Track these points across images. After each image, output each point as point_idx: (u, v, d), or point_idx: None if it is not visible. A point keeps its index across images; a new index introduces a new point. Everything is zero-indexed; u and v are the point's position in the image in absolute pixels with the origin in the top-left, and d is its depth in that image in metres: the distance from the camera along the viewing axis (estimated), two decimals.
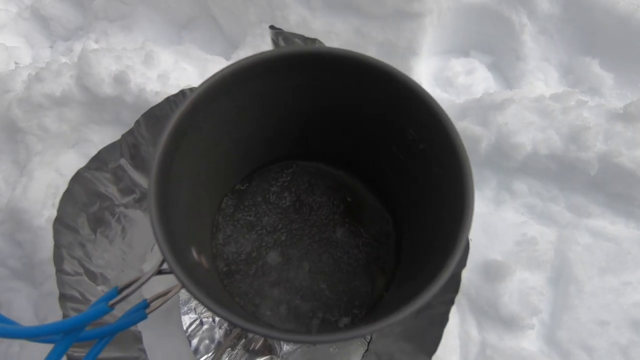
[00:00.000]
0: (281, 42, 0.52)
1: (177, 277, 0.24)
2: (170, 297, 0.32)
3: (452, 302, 0.45)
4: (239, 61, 0.31)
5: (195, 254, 0.31)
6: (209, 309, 0.24)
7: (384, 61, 0.31)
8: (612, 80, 0.80)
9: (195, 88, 0.31)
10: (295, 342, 0.24)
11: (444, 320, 0.43)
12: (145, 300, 0.33)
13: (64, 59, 0.83)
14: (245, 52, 0.92)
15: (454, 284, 0.45)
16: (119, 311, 0.38)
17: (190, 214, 0.33)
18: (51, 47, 1.13)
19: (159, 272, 0.30)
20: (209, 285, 0.31)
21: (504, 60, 0.89)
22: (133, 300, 0.36)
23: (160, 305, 0.32)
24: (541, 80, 0.84)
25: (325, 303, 0.39)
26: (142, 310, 0.31)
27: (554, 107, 0.69)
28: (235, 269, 0.40)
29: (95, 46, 0.89)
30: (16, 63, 1.06)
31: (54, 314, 0.60)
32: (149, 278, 0.30)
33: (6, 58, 1.07)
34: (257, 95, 0.34)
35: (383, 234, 0.42)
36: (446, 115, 0.29)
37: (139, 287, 0.29)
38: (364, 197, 0.44)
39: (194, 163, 0.34)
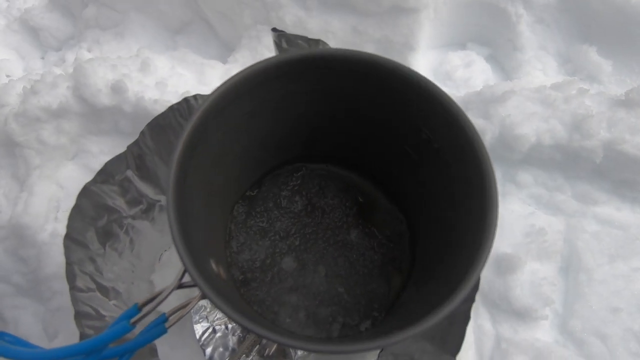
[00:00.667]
0: (284, 45, 0.51)
1: (203, 290, 0.24)
2: (190, 310, 0.31)
3: (472, 300, 0.45)
4: (249, 68, 0.30)
5: (214, 266, 0.31)
6: (236, 322, 0.24)
7: (394, 60, 0.30)
8: (610, 67, 0.81)
9: (204, 98, 0.30)
10: (325, 352, 0.24)
11: (466, 318, 0.43)
12: (164, 314, 0.32)
13: (58, 70, 0.82)
14: (241, 54, 0.91)
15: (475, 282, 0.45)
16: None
17: (205, 225, 0.32)
18: (42, 58, 1.12)
19: (180, 286, 0.29)
20: (229, 295, 0.30)
21: (501, 51, 0.89)
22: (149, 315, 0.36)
23: (180, 318, 0.32)
24: (539, 69, 0.84)
25: (344, 307, 0.39)
26: (161, 325, 0.31)
27: (556, 96, 0.68)
28: (251, 276, 0.40)
29: (88, 55, 0.88)
30: (8, 76, 1.05)
31: (64, 330, 0.59)
32: (169, 293, 0.29)
33: None
34: (266, 101, 0.34)
35: (397, 234, 0.42)
36: (463, 113, 0.28)
37: (161, 302, 0.29)
38: (376, 198, 0.44)
39: (205, 173, 0.33)
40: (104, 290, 0.43)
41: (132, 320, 0.28)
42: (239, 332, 0.59)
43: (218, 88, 0.30)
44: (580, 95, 0.68)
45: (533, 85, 0.72)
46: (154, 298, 0.29)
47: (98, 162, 0.60)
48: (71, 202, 0.52)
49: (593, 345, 0.58)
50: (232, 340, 0.58)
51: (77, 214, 0.44)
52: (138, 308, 0.29)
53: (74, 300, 0.39)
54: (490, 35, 0.91)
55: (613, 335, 0.58)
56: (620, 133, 0.64)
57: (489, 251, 0.26)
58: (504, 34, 0.88)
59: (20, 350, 0.25)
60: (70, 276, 0.40)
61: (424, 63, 0.88)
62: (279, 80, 0.32)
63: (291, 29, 0.82)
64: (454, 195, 0.32)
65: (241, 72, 0.30)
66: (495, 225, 0.26)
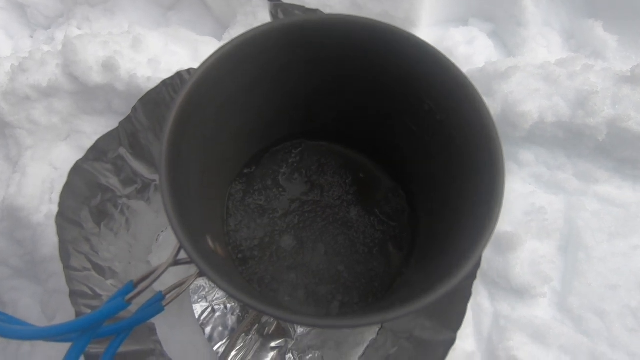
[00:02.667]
0: (280, 15, 0.49)
1: (198, 266, 0.23)
2: (187, 288, 0.31)
3: (474, 277, 0.45)
4: (244, 34, 0.28)
5: (210, 243, 0.30)
6: (234, 297, 0.23)
7: (395, 25, 0.29)
8: (616, 43, 0.78)
9: (197, 68, 0.29)
10: (325, 327, 0.23)
11: (466, 295, 0.43)
12: (161, 292, 0.32)
13: (47, 48, 0.79)
14: (236, 31, 0.88)
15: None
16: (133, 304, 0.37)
17: (202, 202, 0.31)
18: (31, 36, 1.08)
19: (175, 262, 0.28)
20: (227, 272, 0.29)
21: (504, 27, 0.87)
22: (145, 294, 0.35)
23: (177, 296, 0.31)
24: (543, 46, 0.82)
25: (344, 285, 0.39)
26: (158, 303, 0.30)
27: (560, 72, 0.67)
28: (250, 255, 0.39)
29: (78, 32, 0.85)
30: None
31: (62, 311, 0.59)
32: (165, 270, 0.28)
33: None
34: (263, 71, 0.32)
35: (398, 212, 0.41)
36: (470, 82, 0.27)
37: (156, 279, 0.28)
38: (376, 175, 0.43)
39: (201, 149, 0.32)
40: (100, 269, 0.43)
41: (128, 297, 0.27)
42: (238, 311, 0.59)
43: (211, 56, 0.28)
44: (585, 72, 0.67)
45: (537, 62, 0.71)
46: (150, 275, 0.28)
47: (92, 142, 0.59)
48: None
49: (591, 322, 0.58)
50: (231, 320, 0.58)
51: (69, 192, 0.43)
52: (133, 285, 0.28)
53: (69, 280, 0.38)
54: (493, 10, 0.88)
55: (611, 312, 0.58)
56: (625, 110, 0.63)
57: (494, 226, 0.25)
58: (507, 9, 0.85)
59: (16, 328, 0.25)
60: (65, 255, 0.39)
61: (425, 39, 0.86)
62: (277, 49, 0.30)
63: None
64: (458, 170, 0.31)
65: (235, 39, 0.28)
66: (501, 199, 0.25)
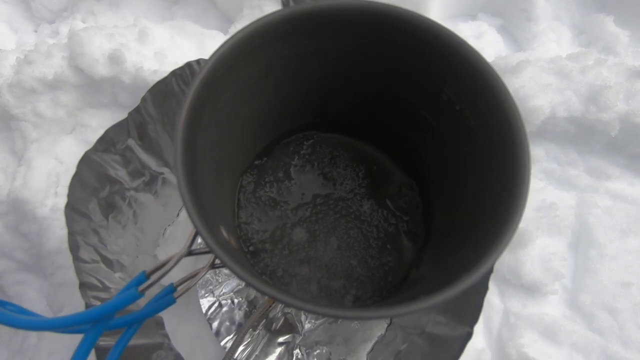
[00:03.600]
0: (292, 3, 0.48)
1: (217, 254, 0.22)
2: (199, 280, 0.30)
3: (491, 271, 0.44)
4: (259, 20, 0.28)
5: (225, 234, 0.30)
6: (254, 287, 0.23)
7: (415, 12, 0.28)
8: (627, 38, 0.77)
9: (211, 55, 0.28)
10: (343, 318, 0.23)
11: (483, 288, 0.42)
12: (172, 284, 0.31)
13: (52, 41, 0.78)
14: (242, 25, 0.87)
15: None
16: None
17: (214, 193, 0.31)
18: (35, 30, 1.08)
19: (189, 253, 0.28)
20: (241, 263, 0.29)
21: (513, 22, 0.86)
22: (153, 288, 0.35)
23: (188, 289, 0.31)
24: (553, 41, 0.81)
25: (357, 279, 0.38)
26: (170, 295, 0.30)
27: (572, 67, 0.66)
28: (261, 247, 0.38)
29: (83, 26, 0.84)
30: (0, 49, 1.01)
31: (69, 305, 0.59)
32: (178, 260, 0.28)
33: None
34: (277, 60, 0.31)
35: (412, 206, 0.41)
36: (494, 70, 0.26)
37: (170, 270, 0.27)
38: (390, 168, 0.42)
39: (214, 138, 0.31)
40: (108, 262, 0.42)
41: (141, 287, 0.27)
42: (245, 306, 0.58)
43: (223, 44, 0.28)
44: (597, 66, 0.66)
45: (548, 56, 0.70)
46: (163, 266, 0.28)
47: (97, 136, 0.58)
48: (71, 176, 0.50)
49: (602, 320, 0.57)
50: (238, 315, 0.58)
51: (77, 183, 0.42)
52: (146, 276, 0.28)
53: (78, 271, 0.38)
54: (502, 5, 0.87)
55: (623, 310, 0.58)
56: (638, 105, 0.62)
57: (519, 220, 0.25)
58: (517, 3, 0.84)
59: (28, 318, 0.24)
60: (74, 247, 0.39)
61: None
62: (291, 37, 0.29)
63: None
64: (477, 162, 0.30)
65: (248, 26, 0.27)
66: (526, 194, 0.24)
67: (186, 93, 0.26)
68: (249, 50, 0.29)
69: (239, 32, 0.29)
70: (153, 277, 0.28)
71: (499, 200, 0.26)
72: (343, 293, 0.37)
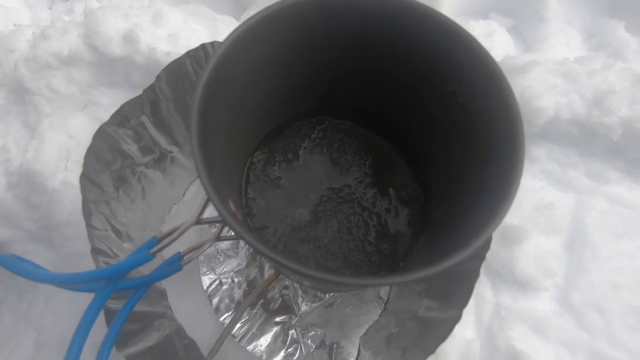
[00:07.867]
0: None
1: (227, 221, 0.24)
2: (205, 250, 0.32)
3: (483, 258, 0.45)
4: (269, 7, 0.29)
5: (233, 207, 0.31)
6: (261, 253, 0.24)
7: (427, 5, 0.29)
8: (637, 44, 0.78)
9: (227, 35, 0.30)
10: (347, 285, 0.24)
11: (473, 275, 0.44)
12: (179, 252, 0.33)
13: (67, 18, 0.80)
14: (254, 12, 0.88)
15: (487, 241, 0.45)
16: (146, 269, 0.38)
17: (225, 167, 0.32)
18: (50, 8, 1.09)
19: (198, 222, 0.29)
20: (250, 232, 0.30)
21: (525, 22, 0.86)
22: (159, 257, 0.36)
23: (195, 258, 0.32)
24: (563, 44, 0.81)
25: (354, 263, 0.40)
26: (177, 263, 0.31)
27: (579, 70, 0.67)
28: (265, 224, 0.40)
29: (97, 5, 0.85)
30: (15, 25, 1.03)
31: None
32: (188, 227, 0.29)
33: (4, 19, 1.03)
34: (288, 44, 0.32)
35: (413, 195, 0.42)
36: (497, 64, 0.27)
37: (180, 235, 0.29)
38: (395, 160, 0.43)
39: (226, 116, 0.32)
40: (118, 232, 0.44)
41: (152, 250, 0.28)
42: (245, 286, 0.60)
43: (238, 27, 0.29)
44: (604, 70, 0.66)
45: (556, 58, 0.70)
46: (173, 232, 0.29)
47: (109, 114, 0.60)
48: (81, 152, 0.52)
49: (591, 318, 0.59)
50: (237, 293, 0.60)
51: (92, 154, 0.44)
52: (157, 240, 0.29)
53: (91, 237, 0.40)
54: (515, 5, 0.87)
55: (612, 310, 0.59)
56: None
57: (508, 207, 0.26)
58: (529, 4, 0.84)
59: (45, 272, 0.26)
60: (87, 214, 0.41)
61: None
62: (303, 22, 0.30)
63: None
64: (478, 154, 0.31)
65: (261, 11, 0.29)
66: (518, 183, 0.26)
67: (205, 68, 0.28)
68: (263, 34, 0.30)
69: (253, 15, 0.30)
70: (164, 242, 0.29)
71: (493, 190, 0.27)
72: (338, 274, 0.39)
